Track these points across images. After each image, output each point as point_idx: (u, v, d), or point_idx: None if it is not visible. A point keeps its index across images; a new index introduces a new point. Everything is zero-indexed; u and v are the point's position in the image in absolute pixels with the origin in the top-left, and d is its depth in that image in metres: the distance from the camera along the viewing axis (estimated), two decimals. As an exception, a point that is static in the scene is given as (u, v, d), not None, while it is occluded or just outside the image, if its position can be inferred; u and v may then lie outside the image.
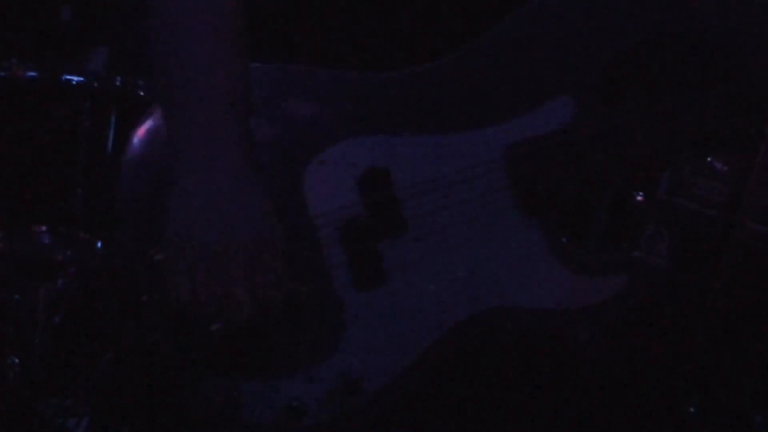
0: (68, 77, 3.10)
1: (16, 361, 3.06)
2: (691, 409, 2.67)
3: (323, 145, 1.92)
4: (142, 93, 3.05)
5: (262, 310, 1.86)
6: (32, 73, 3.12)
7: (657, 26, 1.95)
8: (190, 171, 1.85)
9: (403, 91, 1.94)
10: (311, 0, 2.02)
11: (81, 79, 3.09)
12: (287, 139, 1.93)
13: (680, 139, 1.94)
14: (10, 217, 3.10)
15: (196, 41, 1.88)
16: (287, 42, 2.03)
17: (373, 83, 1.95)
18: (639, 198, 2.18)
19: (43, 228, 3.10)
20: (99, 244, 3.06)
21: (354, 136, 1.93)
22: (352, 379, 1.93)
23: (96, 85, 3.09)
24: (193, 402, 2.00)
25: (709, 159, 2.25)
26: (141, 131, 1.99)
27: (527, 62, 1.93)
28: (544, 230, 1.95)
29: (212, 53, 1.89)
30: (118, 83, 3.08)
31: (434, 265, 1.94)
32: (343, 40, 2.02)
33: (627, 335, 2.31)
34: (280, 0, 2.04)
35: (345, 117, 1.93)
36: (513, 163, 1.92)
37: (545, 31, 1.94)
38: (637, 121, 1.92)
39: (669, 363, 2.56)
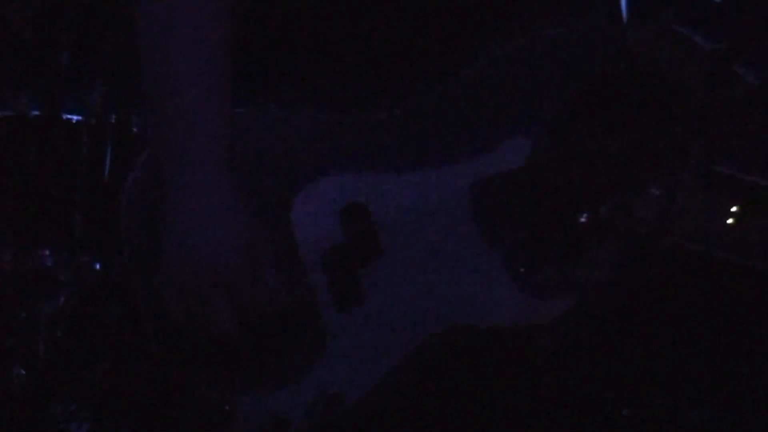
0: (68, 116, 3.15)
1: (23, 371, 3.06)
2: (625, 412, 2.68)
3: (309, 180, 1.91)
4: (135, 128, 3.09)
5: (252, 322, 1.84)
6: (36, 112, 3.16)
7: (598, 71, 1.94)
8: (180, 200, 1.83)
9: (379, 133, 1.93)
10: (293, 45, 2.00)
11: (79, 117, 3.13)
12: (277, 173, 1.91)
13: (621, 170, 1.92)
14: (17, 240, 3.13)
15: (186, 81, 1.86)
16: (272, 85, 2.02)
17: (353, 126, 1.94)
18: (583, 220, 2.15)
19: (47, 251, 3.12)
20: (97, 265, 3.07)
21: (337, 173, 1.92)
22: (333, 391, 1.92)
23: (93, 122, 3.12)
24: (186, 413, 1.98)
25: (645, 184, 2.24)
26: (141, 160, 1.97)
27: (487, 108, 1.92)
28: (504, 257, 1.93)
29: (201, 93, 1.86)
30: (113, 120, 3.11)
31: (405, 287, 1.93)
32: (324, 84, 2.00)
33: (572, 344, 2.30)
34: (266, 45, 2.02)
35: (329, 155, 1.92)
36: (476, 197, 1.91)
37: (500, 81, 1.93)
38: (584, 157, 1.92)
39: (602, 370, 2.56)
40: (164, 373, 2.01)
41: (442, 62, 1.95)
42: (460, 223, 1.91)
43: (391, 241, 1.91)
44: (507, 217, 1.92)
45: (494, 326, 1.94)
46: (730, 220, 2.79)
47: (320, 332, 1.91)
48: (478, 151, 1.91)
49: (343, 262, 1.90)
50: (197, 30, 1.88)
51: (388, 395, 1.91)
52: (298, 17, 1.99)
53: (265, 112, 1.96)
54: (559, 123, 1.93)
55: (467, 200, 1.90)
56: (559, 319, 1.95)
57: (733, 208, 2.78)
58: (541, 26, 1.96)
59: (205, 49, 1.88)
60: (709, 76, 1.98)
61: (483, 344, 1.96)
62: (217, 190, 1.83)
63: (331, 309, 1.91)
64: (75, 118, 3.15)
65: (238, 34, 1.93)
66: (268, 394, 1.90)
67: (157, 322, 1.91)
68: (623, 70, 1.96)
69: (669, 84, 2.04)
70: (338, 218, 1.91)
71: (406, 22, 1.96)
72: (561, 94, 1.93)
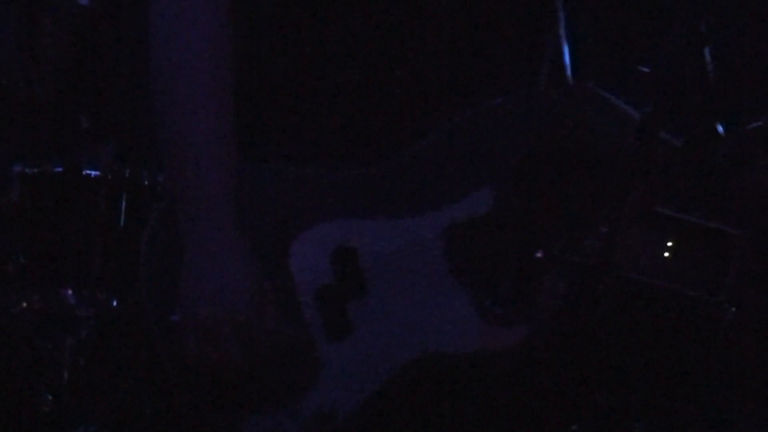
0: (87, 171, 3.09)
1: (50, 397, 3.03)
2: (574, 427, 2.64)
3: (304, 228, 1.90)
4: (145, 182, 3.04)
5: (257, 356, 1.83)
6: (59, 169, 3.11)
7: (546, 131, 1.95)
8: (196, 250, 1.83)
9: (364, 187, 1.92)
10: (292, 110, 1.99)
11: (97, 173, 3.09)
12: (276, 223, 1.90)
13: (571, 214, 1.95)
14: (43, 282, 3.08)
15: (196, 140, 1.85)
16: (272, 143, 2.00)
17: (341, 180, 1.93)
18: (538, 255, 2.11)
19: (69, 291, 3.08)
20: (114, 302, 3.05)
21: (328, 222, 1.90)
22: (327, 410, 1.91)
23: (109, 177, 3.08)
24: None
25: (593, 224, 2.18)
26: (156, 212, 1.95)
27: (454, 165, 1.93)
28: (471, 292, 1.93)
29: (210, 150, 1.85)
30: (127, 174, 3.08)
31: (387, 320, 1.92)
32: (317, 144, 1.99)
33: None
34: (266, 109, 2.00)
35: (320, 206, 1.91)
36: (448, 241, 1.91)
37: (463, 143, 1.94)
38: (540, 204, 1.93)
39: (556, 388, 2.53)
40: (176, 399, 1.99)
41: (412, 128, 1.95)
42: (433, 263, 1.91)
43: (375, 280, 1.91)
44: (474, 257, 1.92)
45: (463, 352, 1.93)
46: (666, 254, 2.77)
47: (314, 360, 1.90)
48: (449, 201, 1.91)
49: (334, 299, 1.89)
50: (204, 96, 1.86)
51: (374, 412, 1.91)
52: (292, 86, 1.98)
53: (265, 168, 1.94)
54: (518, 176, 1.93)
55: (440, 243, 1.91)
56: (519, 344, 1.94)
57: (669, 243, 2.76)
58: (494, 94, 1.96)
59: (212, 113, 1.86)
60: (637, 139, 1.96)
61: (454, 368, 1.95)
62: (227, 239, 1.83)
63: (323, 340, 1.90)
64: (93, 173, 3.11)
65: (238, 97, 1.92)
66: (269, 415, 1.90)
67: (171, 354, 1.90)
68: (568, 130, 1.96)
69: (606, 144, 2.03)
70: (329, 261, 1.90)
71: (379, 98, 1.96)
72: (516, 151, 1.93)
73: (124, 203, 3.08)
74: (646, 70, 2.15)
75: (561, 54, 2.01)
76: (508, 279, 1.97)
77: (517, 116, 1.94)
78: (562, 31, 2.01)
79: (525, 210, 1.92)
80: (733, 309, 2.75)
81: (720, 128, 1.96)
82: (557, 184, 1.94)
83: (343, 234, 1.90)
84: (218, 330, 1.81)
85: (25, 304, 3.06)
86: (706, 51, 2.10)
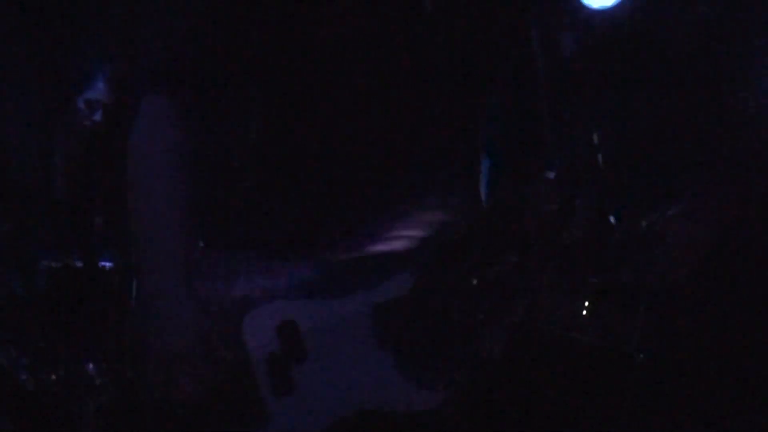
0: (102, 263, 3.32)
1: None
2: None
3: (256, 306, 1.99)
4: None
5: (206, 391, 1.94)
6: (79, 263, 3.34)
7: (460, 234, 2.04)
8: (153, 303, 1.98)
9: (306, 273, 2.00)
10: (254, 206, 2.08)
11: (111, 264, 3.32)
12: (233, 300, 1.99)
13: (488, 291, 2.03)
14: (69, 357, 3.25)
15: (160, 227, 2.00)
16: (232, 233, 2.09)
17: (288, 267, 2.00)
18: (470, 318, 2.08)
19: (90, 364, 3.24)
20: (127, 373, 3.20)
21: (275, 300, 1.99)
22: None
23: (121, 267, 3.27)
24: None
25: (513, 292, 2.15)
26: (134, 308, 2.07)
27: (379, 255, 2.03)
28: (398, 359, 2.00)
29: (169, 234, 2.00)
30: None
31: (326, 381, 1.99)
32: (267, 239, 2.06)
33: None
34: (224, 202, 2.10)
35: (270, 288, 1.98)
36: (376, 315, 2.00)
37: (388, 235, 2.04)
38: (451, 287, 2.02)
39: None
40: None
41: (342, 229, 2.05)
42: (364, 334, 2.00)
43: (314, 348, 1.99)
44: (399, 329, 2.01)
45: (393, 411, 2.00)
46: (584, 312, 2.78)
47: (263, 412, 1.98)
48: (377, 283, 2.01)
49: (279, 363, 1.98)
50: (169, 196, 2.01)
51: None
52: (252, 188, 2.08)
53: (228, 254, 2.03)
54: (433, 263, 2.02)
55: (370, 318, 2.00)
56: (443, 403, 2.01)
57: (586, 303, 2.76)
58: (413, 204, 2.04)
59: (171, 218, 2.01)
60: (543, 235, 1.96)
61: (390, 425, 2.02)
62: (179, 299, 1.98)
63: (270, 395, 1.98)
64: (108, 264, 3.31)
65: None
66: None
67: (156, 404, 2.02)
68: (482, 230, 2.03)
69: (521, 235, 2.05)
70: (276, 333, 1.99)
71: (311, 210, 2.05)
72: (430, 243, 2.05)
73: (134, 288, 3.10)
74: (551, 176, 2.19)
75: (478, 167, 2.10)
76: (427, 346, 2.02)
77: (427, 217, 2.04)
78: (480, 144, 2.10)
79: (438, 292, 2.00)
80: (642, 356, 2.81)
81: (612, 219, 2.07)
82: (469, 270, 2.02)
83: (287, 311, 1.97)
84: (170, 365, 1.94)
85: (54, 377, 3.22)
86: (599, 157, 2.26)
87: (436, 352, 2.01)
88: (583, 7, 3.35)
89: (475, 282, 2.00)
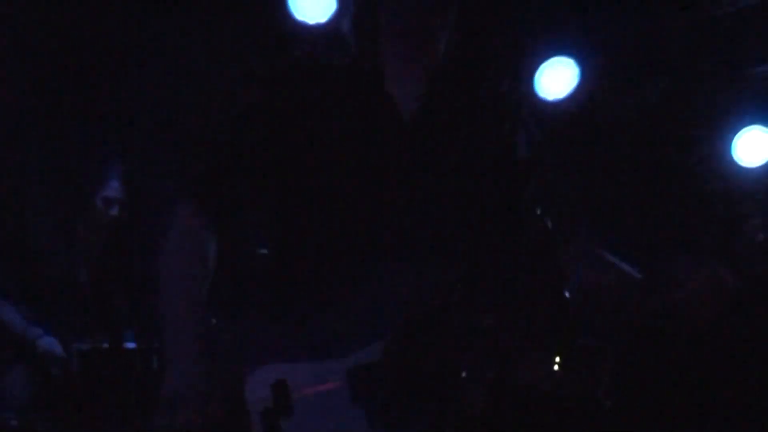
0: (126, 345, 3.61)
1: None
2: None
3: (255, 369, 2.16)
4: None
5: None
6: (106, 345, 3.61)
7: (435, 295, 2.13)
8: (170, 370, 2.14)
9: (293, 343, 2.17)
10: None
11: (134, 345, 3.61)
12: (237, 364, 2.16)
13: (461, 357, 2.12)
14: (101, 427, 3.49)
15: (181, 311, 2.18)
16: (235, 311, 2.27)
17: (280, 338, 2.17)
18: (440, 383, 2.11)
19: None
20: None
21: (270, 363, 2.15)
22: None
23: (144, 348, 3.54)
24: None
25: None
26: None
27: (357, 324, 2.17)
28: (371, 418, 2.10)
29: (191, 315, 2.17)
30: (156, 345, 3.51)
31: None
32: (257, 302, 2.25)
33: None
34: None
35: (265, 353, 2.15)
36: (351, 378, 2.13)
37: (363, 305, 2.17)
38: (419, 355, 2.12)
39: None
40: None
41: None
42: (342, 394, 2.12)
43: (300, 404, 2.12)
44: (371, 390, 2.12)
45: None
46: (555, 367, 2.74)
47: None
48: (352, 351, 2.14)
49: (271, 417, 2.11)
50: (197, 289, 2.21)
51: None
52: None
53: (232, 325, 2.23)
54: (404, 332, 2.13)
55: (345, 381, 2.13)
56: None
57: (557, 359, 2.74)
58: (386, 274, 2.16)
59: (189, 308, 2.21)
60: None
61: None
62: (191, 367, 2.15)
63: None
64: (131, 345, 3.59)
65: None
66: None
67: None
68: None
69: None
70: (269, 391, 2.13)
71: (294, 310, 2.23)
72: (402, 315, 2.15)
73: (155, 366, 3.57)
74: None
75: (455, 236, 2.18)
76: (398, 407, 2.11)
77: (397, 292, 2.15)
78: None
79: (406, 359, 2.11)
80: (609, 402, 2.79)
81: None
82: (433, 342, 2.12)
83: (279, 373, 2.12)
84: (180, 412, 2.11)
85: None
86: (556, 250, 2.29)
87: (411, 410, 2.09)
88: (541, 100, 3.67)
89: (458, 341, 2.08)
